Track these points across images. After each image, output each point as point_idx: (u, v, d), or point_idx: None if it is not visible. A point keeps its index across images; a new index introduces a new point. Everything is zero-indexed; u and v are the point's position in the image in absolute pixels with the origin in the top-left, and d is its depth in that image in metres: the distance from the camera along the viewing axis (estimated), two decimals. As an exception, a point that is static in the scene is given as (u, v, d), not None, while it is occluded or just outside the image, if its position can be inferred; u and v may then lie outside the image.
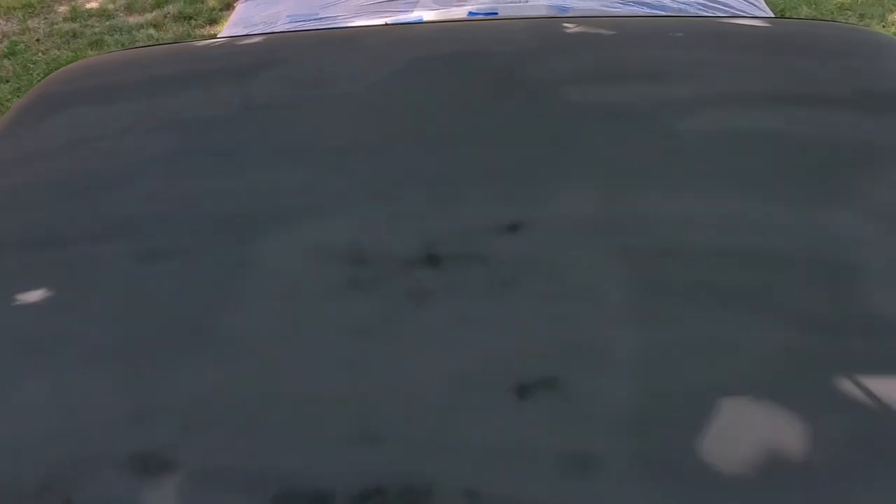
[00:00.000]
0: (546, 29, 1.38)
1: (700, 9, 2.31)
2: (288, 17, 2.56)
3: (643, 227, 1.01)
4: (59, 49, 5.16)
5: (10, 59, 5.06)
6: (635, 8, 2.47)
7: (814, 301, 0.93)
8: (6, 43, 5.24)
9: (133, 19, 5.46)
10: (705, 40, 1.31)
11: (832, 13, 4.81)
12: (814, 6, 4.88)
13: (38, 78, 4.67)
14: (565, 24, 1.37)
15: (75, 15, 5.52)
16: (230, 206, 1.07)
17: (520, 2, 2.46)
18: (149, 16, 5.46)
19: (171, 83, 1.39)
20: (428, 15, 2.51)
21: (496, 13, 2.44)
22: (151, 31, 5.27)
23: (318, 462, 0.79)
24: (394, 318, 0.90)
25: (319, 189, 1.10)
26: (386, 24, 1.57)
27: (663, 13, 2.28)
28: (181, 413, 0.84)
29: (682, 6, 2.39)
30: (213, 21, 5.32)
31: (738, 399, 0.83)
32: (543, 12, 2.30)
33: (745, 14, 2.16)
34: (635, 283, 0.95)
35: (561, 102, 1.17)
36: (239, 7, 2.79)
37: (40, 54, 5.13)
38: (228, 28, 2.47)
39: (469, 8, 2.57)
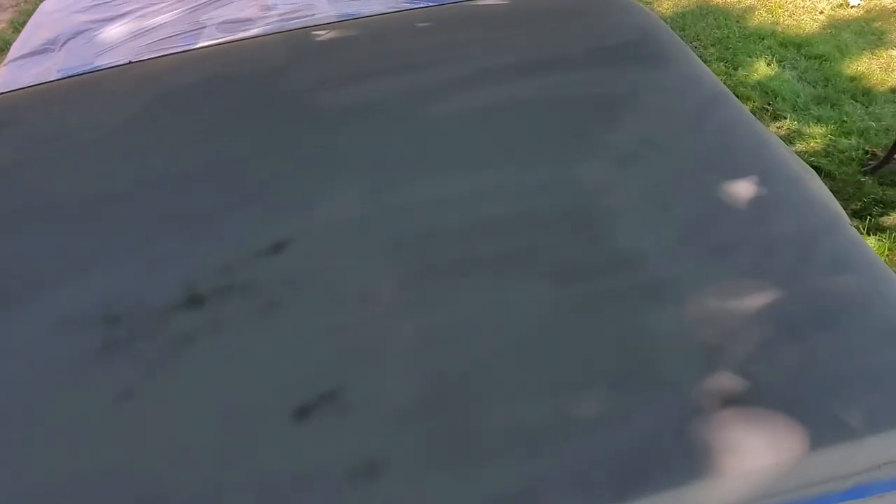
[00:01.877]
0: (296, 41, 1.34)
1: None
2: (59, 71, 2.36)
3: (408, 215, 1.00)
4: None
5: None
6: (421, 3, 2.51)
7: (573, 251, 0.96)
8: None
9: None
10: (451, 25, 1.34)
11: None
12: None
13: None
14: (315, 33, 1.34)
15: None
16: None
17: (306, 17, 2.41)
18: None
19: None
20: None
21: (286, 31, 2.37)
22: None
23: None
24: (155, 372, 0.84)
25: (67, 250, 1.00)
26: (129, 63, 1.47)
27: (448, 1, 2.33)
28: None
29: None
30: None
31: (513, 370, 0.85)
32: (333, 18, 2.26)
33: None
34: (406, 273, 0.94)
35: (314, 110, 1.14)
36: (3, 71, 2.54)
37: None
38: (-7, 95, 2.23)
39: (256, 31, 2.48)
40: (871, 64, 4.16)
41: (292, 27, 2.22)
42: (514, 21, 1.34)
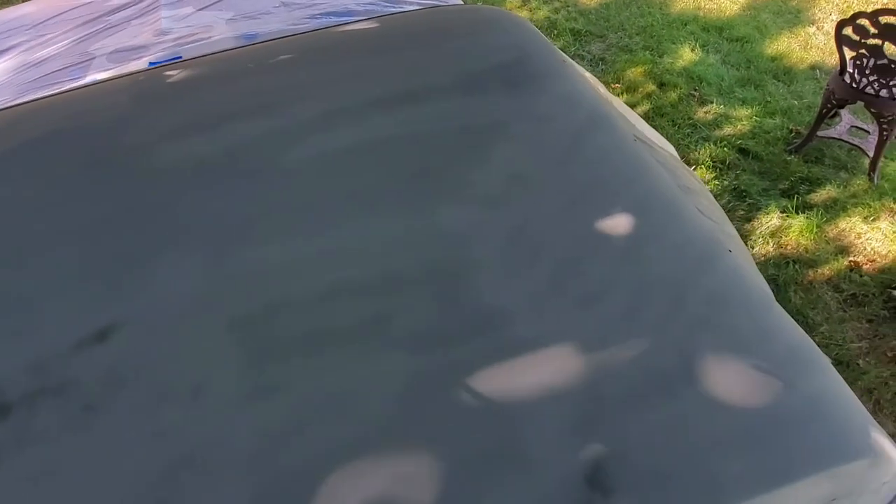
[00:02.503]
0: (144, 85, 1.22)
1: (388, 5, 2.26)
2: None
3: (250, 287, 0.90)
4: None
5: None
6: (324, 20, 2.38)
7: (433, 314, 0.88)
8: None
9: None
10: (314, 56, 1.23)
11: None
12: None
13: None
14: (167, 73, 1.22)
15: None
16: None
17: (203, 40, 2.26)
18: None
19: None
20: (103, 76, 2.24)
21: (179, 57, 2.22)
22: None
23: None
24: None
25: None
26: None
27: (352, 19, 2.20)
28: None
29: (370, 7, 2.33)
30: None
31: (358, 463, 0.75)
32: (231, 44, 2.13)
33: (432, 5, 2.13)
34: (245, 356, 0.84)
35: (154, 167, 1.03)
36: None
37: None
38: None
39: (149, 58, 2.32)
40: (791, 43, 4.18)
41: (190, 52, 2.07)
42: (382, 47, 1.24)
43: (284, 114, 1.10)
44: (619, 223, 0.95)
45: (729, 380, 0.81)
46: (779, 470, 0.73)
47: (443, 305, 0.87)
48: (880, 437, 0.79)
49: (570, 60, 1.40)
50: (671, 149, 1.79)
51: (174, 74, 1.23)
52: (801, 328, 0.89)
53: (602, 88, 1.50)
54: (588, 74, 1.50)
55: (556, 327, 0.84)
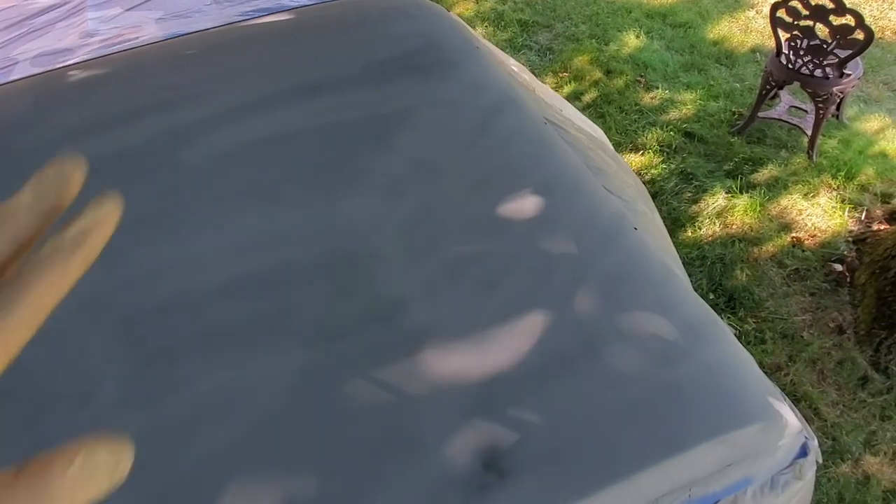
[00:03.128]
0: (47, 85, 1.18)
1: (322, -2, 2.23)
2: None
3: (141, 286, 0.87)
4: None
5: None
6: (256, 16, 2.33)
7: (330, 305, 0.86)
8: None
9: None
10: (224, 50, 1.20)
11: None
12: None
13: None
14: (70, 73, 1.18)
15: None
16: None
17: (130, 41, 2.21)
18: None
19: None
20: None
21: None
22: None
23: None
24: None
25: None
26: None
27: (282, 8, 2.16)
28: None
29: (303, 0, 2.30)
30: None
31: (248, 460, 0.73)
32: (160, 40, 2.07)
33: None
34: (133, 358, 0.81)
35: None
36: None
37: None
38: None
39: (74, 62, 2.25)
40: (731, 27, 4.24)
41: (116, 53, 2.01)
42: (292, 39, 1.21)
43: (187, 110, 1.07)
44: (521, 205, 0.94)
45: (626, 354, 0.80)
46: (672, 439, 0.73)
47: (339, 297, 0.85)
48: (776, 402, 0.79)
49: (490, 46, 1.39)
50: (599, 132, 1.80)
51: (76, 74, 1.19)
52: (702, 301, 0.90)
53: (527, 75, 1.49)
54: (513, 60, 1.49)
55: (453, 313, 0.83)
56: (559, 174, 0.99)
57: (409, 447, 0.74)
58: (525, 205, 0.94)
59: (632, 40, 4.22)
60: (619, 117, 3.73)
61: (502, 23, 4.50)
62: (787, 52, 3.22)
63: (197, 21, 2.11)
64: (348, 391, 0.78)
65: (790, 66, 3.26)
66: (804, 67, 3.22)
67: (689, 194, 3.36)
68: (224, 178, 0.98)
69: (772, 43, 4.16)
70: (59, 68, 1.26)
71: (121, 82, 1.15)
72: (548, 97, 1.50)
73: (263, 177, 0.97)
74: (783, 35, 3.22)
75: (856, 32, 3.03)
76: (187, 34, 1.42)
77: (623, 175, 1.19)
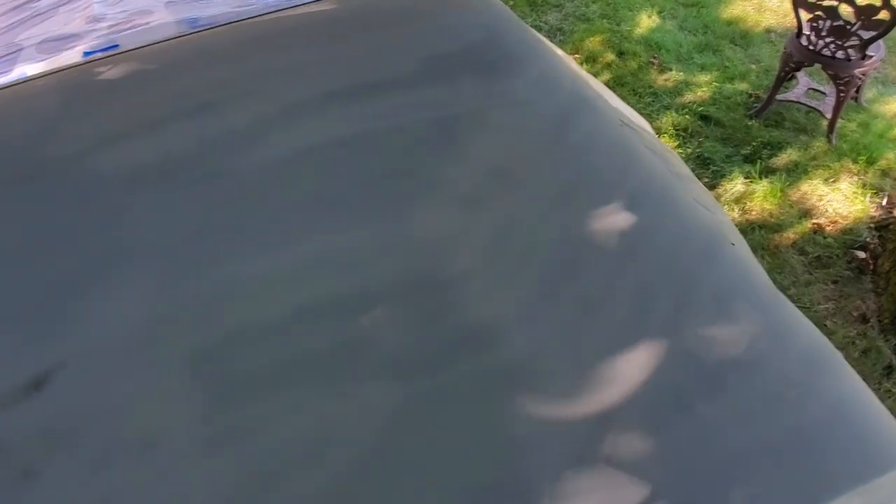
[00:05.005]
0: (72, 83, 1.07)
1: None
2: None
3: (206, 313, 0.77)
4: None
5: None
6: (272, 0, 2.19)
7: (414, 334, 0.77)
8: None
9: None
10: (260, 45, 1.08)
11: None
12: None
13: None
14: (97, 70, 1.07)
15: None
16: None
17: (140, 27, 2.07)
18: None
19: None
20: (33, 69, 2.03)
21: (117, 46, 2.02)
22: None
23: None
24: None
25: None
26: None
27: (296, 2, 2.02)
28: None
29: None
30: None
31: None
32: (173, 30, 1.94)
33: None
34: (204, 395, 0.71)
35: (91, 180, 0.88)
36: None
37: None
38: None
39: (83, 48, 2.11)
40: (745, 6, 4.12)
41: (127, 40, 1.87)
42: (338, 32, 1.10)
43: (232, 111, 0.96)
44: (611, 219, 0.85)
45: (743, 390, 0.73)
46: (806, 491, 0.65)
47: (424, 323, 0.76)
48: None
49: (542, 37, 1.29)
50: (646, 125, 1.70)
51: (107, 70, 1.07)
52: (813, 326, 0.82)
53: (576, 66, 1.39)
54: (560, 51, 1.39)
55: (553, 341, 0.75)
56: (647, 183, 0.90)
57: (517, 497, 0.65)
58: (615, 218, 0.85)
59: (644, 20, 4.09)
60: (633, 100, 3.61)
61: (510, 3, 4.34)
62: (808, 32, 3.12)
63: (208, 4, 1.97)
64: (445, 433, 0.69)
65: (811, 47, 3.15)
66: (826, 49, 3.12)
67: (707, 180, 3.27)
68: (281, 190, 0.87)
69: (787, 23, 4.04)
70: (85, 64, 1.14)
71: (157, 80, 1.04)
72: (600, 89, 1.39)
73: (325, 188, 0.87)
74: (805, 15, 3.11)
75: (881, 13, 2.92)
76: (209, 26, 1.30)
77: (694, 177, 1.10)
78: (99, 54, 1.98)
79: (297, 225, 0.84)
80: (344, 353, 0.74)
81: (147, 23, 2.04)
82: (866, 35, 3.04)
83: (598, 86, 1.38)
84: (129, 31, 2.01)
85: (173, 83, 1.03)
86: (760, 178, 3.16)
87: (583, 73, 1.36)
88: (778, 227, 2.96)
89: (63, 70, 1.18)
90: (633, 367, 0.73)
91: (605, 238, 0.83)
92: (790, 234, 2.94)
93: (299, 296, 0.78)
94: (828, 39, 3.06)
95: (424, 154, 0.91)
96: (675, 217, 0.87)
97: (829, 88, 3.39)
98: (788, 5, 3.27)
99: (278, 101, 0.96)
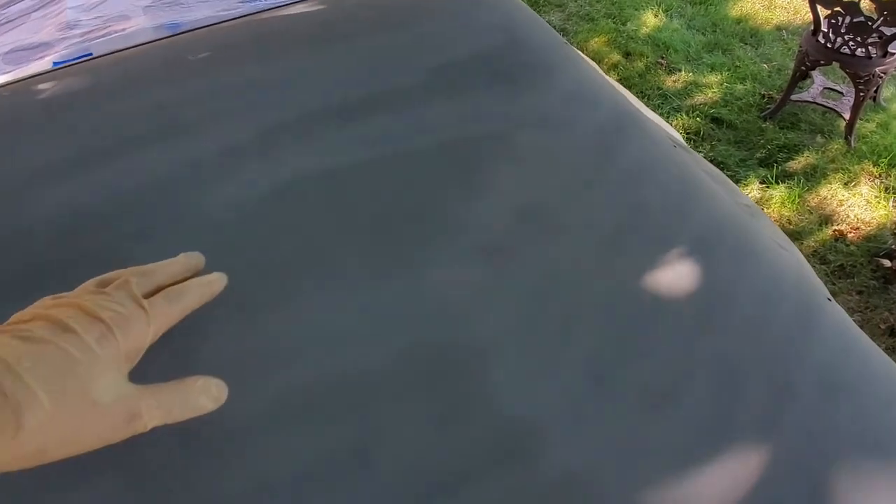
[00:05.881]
0: (19, 98, 0.87)
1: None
2: None
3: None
4: None
5: None
6: (260, 3, 1.99)
7: (429, 438, 0.57)
8: None
9: None
10: (242, 51, 0.88)
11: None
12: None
13: None
14: (39, 88, 0.87)
15: None
16: None
17: (116, 34, 1.86)
18: None
19: None
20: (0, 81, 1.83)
21: (90, 54, 1.82)
22: None
23: None
24: None
25: None
26: None
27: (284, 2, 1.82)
28: None
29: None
30: None
31: None
32: (151, 37, 1.74)
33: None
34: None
35: (15, 228, 0.68)
36: None
37: None
38: None
39: (52, 57, 1.91)
40: (755, 3, 3.92)
41: (101, 48, 1.66)
42: (330, 36, 0.90)
43: (204, 136, 0.76)
44: (676, 273, 0.65)
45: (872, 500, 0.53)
46: None
47: (442, 420, 0.56)
48: None
49: (566, 41, 1.08)
50: (676, 134, 1.50)
51: (48, 87, 0.87)
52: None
53: (603, 73, 1.19)
54: (587, 58, 1.18)
55: (612, 444, 0.55)
56: (717, 224, 0.70)
57: None
58: (682, 272, 0.65)
59: (650, 19, 3.90)
60: (642, 103, 3.43)
61: (513, 2, 4.14)
62: (825, 29, 2.91)
63: (190, 8, 1.76)
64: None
65: (829, 44, 2.95)
66: (845, 46, 2.92)
67: (721, 184, 3.07)
68: (259, 238, 0.67)
69: (798, 20, 3.84)
70: (24, 80, 0.94)
71: (109, 98, 0.84)
72: (630, 97, 1.19)
73: (310, 235, 0.67)
74: (822, 12, 2.90)
75: (906, 9, 2.72)
76: (187, 30, 1.10)
77: (755, 205, 0.90)
78: (71, 62, 1.75)
79: (277, 286, 0.64)
80: (339, 464, 0.54)
81: (123, 29, 1.83)
82: (887, 31, 2.84)
83: (626, 95, 1.18)
84: (103, 39, 1.80)
85: (130, 102, 0.82)
86: (777, 182, 2.97)
87: (612, 81, 1.16)
88: (798, 235, 2.76)
89: (18, 81, 0.97)
90: (716, 477, 0.53)
91: (668, 298, 0.63)
92: (811, 242, 2.74)
93: (278, 385, 0.58)
94: (847, 36, 2.86)
95: (435, 190, 0.71)
96: (756, 267, 0.67)
97: (846, 88, 3.19)
98: (800, 1, 3.06)
99: (252, 124, 0.76)
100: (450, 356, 0.60)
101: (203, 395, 0.48)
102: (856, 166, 2.98)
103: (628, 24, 3.80)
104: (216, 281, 0.55)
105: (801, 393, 0.59)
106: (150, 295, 0.48)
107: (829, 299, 0.68)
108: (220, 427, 0.55)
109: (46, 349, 0.40)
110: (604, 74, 1.03)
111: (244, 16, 1.14)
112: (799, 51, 3.08)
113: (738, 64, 3.51)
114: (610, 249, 0.67)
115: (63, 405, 0.39)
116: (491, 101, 0.80)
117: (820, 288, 0.70)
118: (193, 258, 0.56)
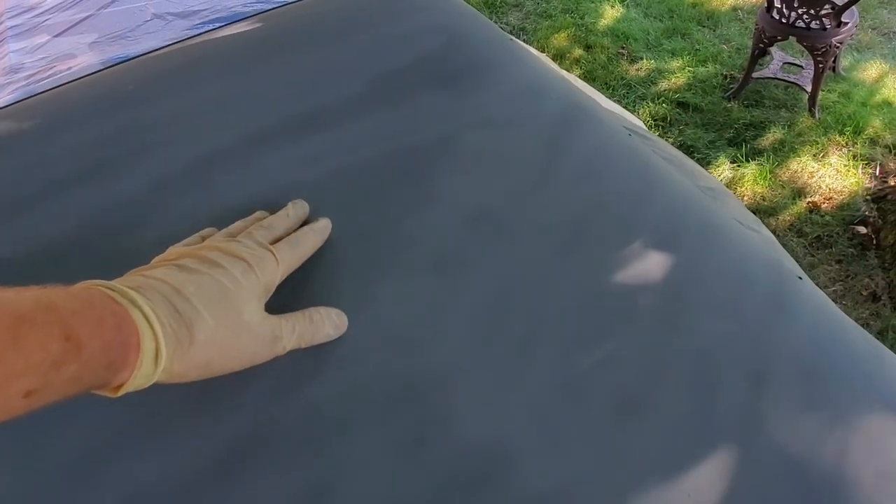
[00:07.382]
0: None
1: (281, 4, 1.83)
2: None
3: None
4: None
5: None
6: (213, 11, 1.93)
7: (389, 469, 0.52)
8: None
9: None
10: (172, 79, 0.83)
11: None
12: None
13: None
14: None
15: None
16: None
17: (62, 73, 1.80)
18: None
19: None
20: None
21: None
22: None
23: None
24: None
25: None
26: None
27: (269, 6, 1.77)
28: None
29: (261, 7, 1.91)
30: None
31: None
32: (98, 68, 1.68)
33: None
34: None
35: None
36: None
37: None
38: None
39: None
40: (709, -14, 3.92)
41: (32, 98, 1.60)
42: (266, 53, 0.85)
43: (132, 172, 0.71)
44: (644, 267, 0.61)
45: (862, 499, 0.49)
46: None
47: (407, 454, 0.51)
48: None
49: (512, 37, 1.04)
50: (637, 122, 1.46)
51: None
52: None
53: (555, 66, 1.15)
54: (534, 51, 1.14)
55: (586, 462, 0.50)
56: (679, 213, 0.66)
57: None
58: (645, 265, 0.61)
59: (608, 10, 3.88)
60: (606, 94, 3.40)
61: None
62: (778, 5, 2.91)
63: (140, 42, 1.70)
64: None
65: (783, 20, 2.94)
66: (799, 20, 2.91)
67: (693, 168, 3.05)
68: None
69: (753, -1, 3.83)
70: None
71: (39, 139, 0.78)
72: (582, 88, 1.15)
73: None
74: (774, -11, 2.90)
75: (854, -22, 2.71)
76: (126, 60, 1.04)
77: (721, 185, 0.86)
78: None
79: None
80: (305, 498, 0.49)
81: (69, 68, 1.76)
82: (840, 2, 2.83)
83: (583, 86, 1.13)
84: (49, 80, 1.73)
85: (57, 141, 0.77)
86: (747, 161, 2.95)
87: (564, 73, 1.12)
88: (773, 210, 2.74)
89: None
90: (699, 485, 0.49)
91: (634, 297, 0.58)
92: (786, 216, 2.72)
93: (222, 433, 0.53)
94: (800, 10, 2.85)
95: (379, 204, 0.66)
96: (721, 252, 0.63)
97: (805, 61, 3.19)
98: (755, -20, 3.05)
99: (184, 154, 0.71)
100: (405, 381, 0.55)
101: (327, 322, 0.53)
102: (823, 137, 2.97)
103: (586, 17, 3.78)
104: (325, 226, 0.60)
105: (780, 383, 0.54)
106: (272, 243, 0.55)
107: (800, 278, 0.64)
108: (176, 480, 0.49)
109: (203, 278, 0.47)
110: (554, 66, 0.98)
111: (180, 40, 1.09)
112: (756, 29, 3.07)
113: (697, 47, 3.50)
114: (568, 249, 0.62)
115: (224, 324, 0.45)
116: (435, 106, 0.75)
117: (792, 267, 0.66)
118: (300, 207, 0.61)
